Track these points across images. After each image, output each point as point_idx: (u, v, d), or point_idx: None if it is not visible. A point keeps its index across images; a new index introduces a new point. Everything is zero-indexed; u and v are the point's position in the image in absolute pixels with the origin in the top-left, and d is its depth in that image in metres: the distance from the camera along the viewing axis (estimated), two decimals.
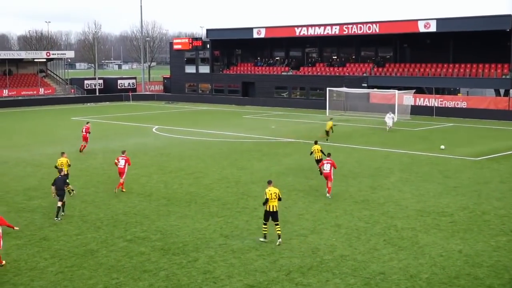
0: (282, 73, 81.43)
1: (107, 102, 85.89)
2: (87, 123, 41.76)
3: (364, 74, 72.67)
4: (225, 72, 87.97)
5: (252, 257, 18.67)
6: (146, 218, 23.17)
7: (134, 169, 33.14)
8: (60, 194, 23.31)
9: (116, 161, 28.03)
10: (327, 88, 67.41)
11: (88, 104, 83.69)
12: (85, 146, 39.81)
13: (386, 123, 50.83)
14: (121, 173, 27.60)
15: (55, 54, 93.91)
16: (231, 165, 34.53)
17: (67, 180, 25.32)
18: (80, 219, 23.14)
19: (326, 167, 26.64)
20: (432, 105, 63.58)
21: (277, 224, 20.09)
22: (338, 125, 48.82)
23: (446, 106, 63.54)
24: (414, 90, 64.18)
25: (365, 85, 70.26)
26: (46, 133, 50.50)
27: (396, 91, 61.45)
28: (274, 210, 20.08)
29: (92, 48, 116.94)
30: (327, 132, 44.45)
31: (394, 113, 54.78)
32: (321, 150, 31.15)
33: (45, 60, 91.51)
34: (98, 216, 23.54)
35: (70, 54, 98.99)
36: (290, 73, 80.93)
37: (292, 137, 46.07)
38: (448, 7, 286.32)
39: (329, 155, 27.91)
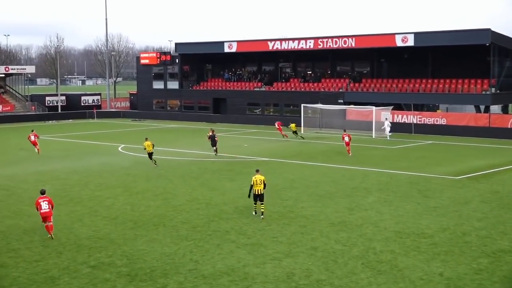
0: (255, 89, 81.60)
1: (70, 120, 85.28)
2: (32, 131, 49.19)
3: (340, 90, 73.16)
4: (195, 88, 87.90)
5: (224, 283, 18.56)
6: (111, 243, 22.94)
7: (99, 190, 32.93)
8: (214, 144, 45.36)
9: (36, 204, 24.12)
10: (302, 105, 67.69)
11: (50, 121, 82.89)
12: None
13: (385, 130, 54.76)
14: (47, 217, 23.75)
15: (15, 69, 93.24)
16: (202, 185, 34.40)
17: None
18: (41, 244, 22.82)
19: None
20: (411, 122, 64.17)
21: (262, 203, 26.35)
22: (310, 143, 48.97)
23: (425, 123, 64.15)
24: (392, 107, 64.77)
25: (341, 101, 70.68)
26: (4, 153, 49.83)
27: (374, 108, 61.95)
28: (260, 193, 26.27)
29: (54, 63, 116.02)
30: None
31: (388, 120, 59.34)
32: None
33: (3, 75, 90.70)
34: (60, 241, 23.22)
35: (30, 69, 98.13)
36: (263, 88, 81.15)
37: (265, 156, 46.09)
38: (426, 21, 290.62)
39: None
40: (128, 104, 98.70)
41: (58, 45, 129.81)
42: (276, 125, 60.55)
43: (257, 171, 27.06)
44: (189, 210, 28.20)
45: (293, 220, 26.16)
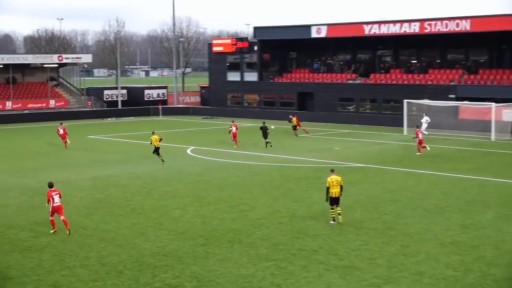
0: (348, 81, 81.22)
1: (132, 117, 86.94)
2: (61, 124, 56.55)
3: (452, 83, 72.07)
4: (276, 81, 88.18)
5: None
6: (179, 261, 23.22)
7: (164, 200, 33.41)
8: (265, 135, 53.26)
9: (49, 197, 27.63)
10: (405, 100, 66.98)
11: (109, 119, 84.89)
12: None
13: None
14: (59, 209, 27.52)
15: (69, 58, 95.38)
16: (285, 195, 34.47)
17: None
18: (98, 261, 23.31)
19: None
20: None
21: (338, 206, 27.90)
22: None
23: None
24: None
25: (453, 96, 69.59)
26: (57, 155, 51.22)
27: (493, 104, 60.72)
28: (336, 195, 27.75)
29: (113, 51, 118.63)
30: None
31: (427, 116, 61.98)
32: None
33: (56, 65, 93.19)
34: (120, 258, 23.68)
35: (87, 58, 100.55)
36: (358, 81, 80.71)
37: (360, 161, 45.81)
38: None
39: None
40: (198, 99, 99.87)
41: (118, 31, 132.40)
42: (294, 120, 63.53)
43: (332, 171, 28.65)
44: (270, 225, 28.27)
45: (394, 239, 25.89)
